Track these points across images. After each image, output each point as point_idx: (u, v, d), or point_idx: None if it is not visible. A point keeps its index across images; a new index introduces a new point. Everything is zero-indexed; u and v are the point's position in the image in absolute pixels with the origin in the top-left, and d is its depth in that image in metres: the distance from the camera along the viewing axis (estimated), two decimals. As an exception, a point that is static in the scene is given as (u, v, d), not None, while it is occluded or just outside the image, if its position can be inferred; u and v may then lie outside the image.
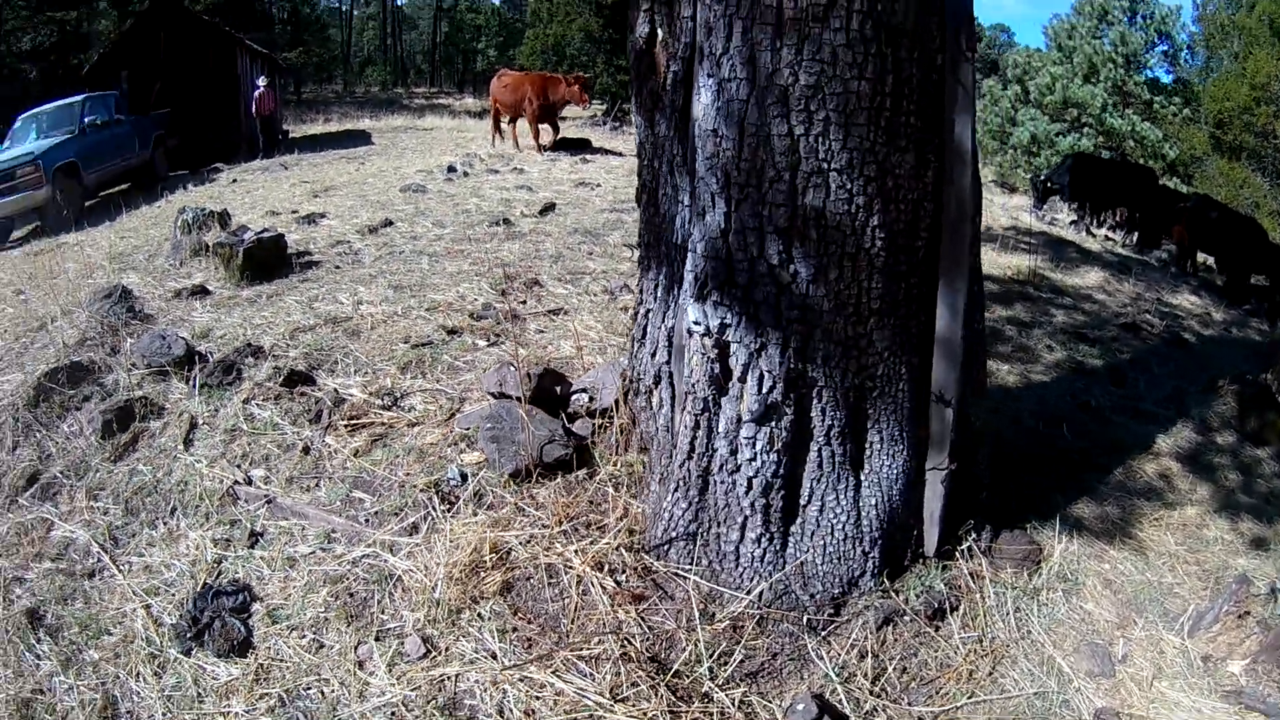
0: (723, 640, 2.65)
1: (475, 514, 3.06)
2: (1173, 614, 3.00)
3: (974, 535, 3.11)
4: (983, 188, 3.12)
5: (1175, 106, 22.25)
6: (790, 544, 2.80)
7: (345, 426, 3.70)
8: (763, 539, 2.77)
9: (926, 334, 2.86)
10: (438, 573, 2.81)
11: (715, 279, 2.63)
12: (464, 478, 3.24)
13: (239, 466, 3.54)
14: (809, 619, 2.75)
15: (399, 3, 54.49)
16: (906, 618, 2.83)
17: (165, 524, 3.29)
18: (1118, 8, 22.88)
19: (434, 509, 3.09)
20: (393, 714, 2.43)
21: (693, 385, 2.76)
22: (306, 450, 3.58)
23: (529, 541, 2.92)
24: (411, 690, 2.49)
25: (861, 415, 2.81)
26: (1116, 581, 3.16)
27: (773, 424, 2.68)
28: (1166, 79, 23.70)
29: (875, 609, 2.81)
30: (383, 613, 2.77)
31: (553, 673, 2.50)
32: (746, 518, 2.75)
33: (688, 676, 2.54)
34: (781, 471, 2.73)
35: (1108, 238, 11.58)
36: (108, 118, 13.67)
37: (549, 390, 3.54)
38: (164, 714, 2.53)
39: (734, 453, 2.73)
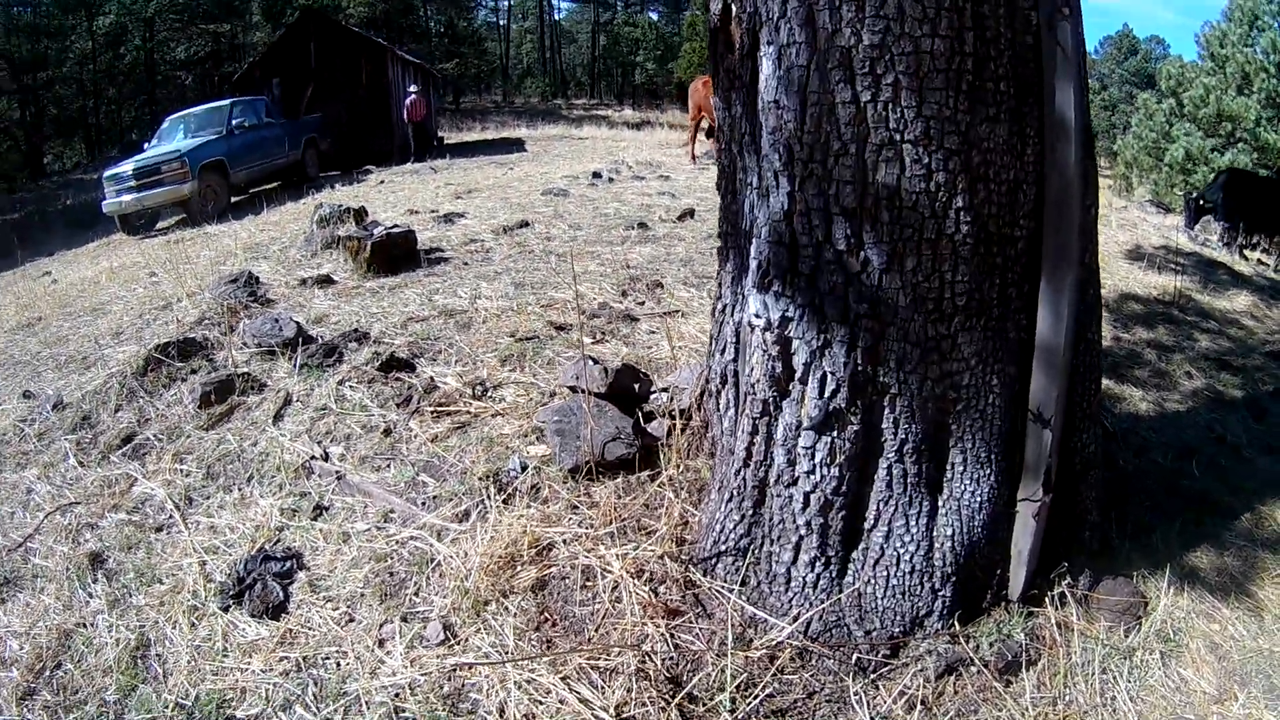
0: (754, 670, 2.29)
1: (529, 507, 2.89)
2: None
3: (1069, 579, 2.60)
4: (1099, 173, 2.65)
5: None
6: (849, 572, 2.42)
7: (431, 413, 3.66)
8: (817, 563, 2.41)
9: (1026, 342, 2.42)
10: (473, 561, 2.67)
11: (777, 267, 2.31)
12: (524, 469, 3.08)
13: (319, 443, 3.56)
14: (859, 658, 2.36)
15: (557, 17, 54.73)
16: (973, 668, 2.37)
17: (240, 490, 3.33)
18: (1268, 12, 20.02)
19: (488, 498, 2.93)
20: (397, 695, 2.28)
21: (752, 385, 2.44)
22: (387, 432, 3.56)
23: (572, 540, 2.69)
24: (421, 675, 2.33)
25: (942, 432, 2.39)
26: (1224, 646, 2.59)
27: (834, 433, 2.32)
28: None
29: (938, 655, 2.37)
30: (416, 595, 2.65)
31: (562, 679, 2.26)
32: (801, 537, 2.40)
33: (704, 704, 2.20)
34: (844, 489, 2.36)
35: (1260, 261, 10.41)
36: (256, 120, 14.39)
37: (626, 387, 3.33)
38: (189, 661, 2.52)
39: (791, 463, 2.39)
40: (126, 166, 11.90)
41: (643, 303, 5.01)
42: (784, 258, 2.32)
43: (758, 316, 2.37)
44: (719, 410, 2.87)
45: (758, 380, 2.43)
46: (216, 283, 5.35)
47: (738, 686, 2.26)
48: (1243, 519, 3.28)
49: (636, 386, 3.33)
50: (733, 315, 2.73)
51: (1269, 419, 4.29)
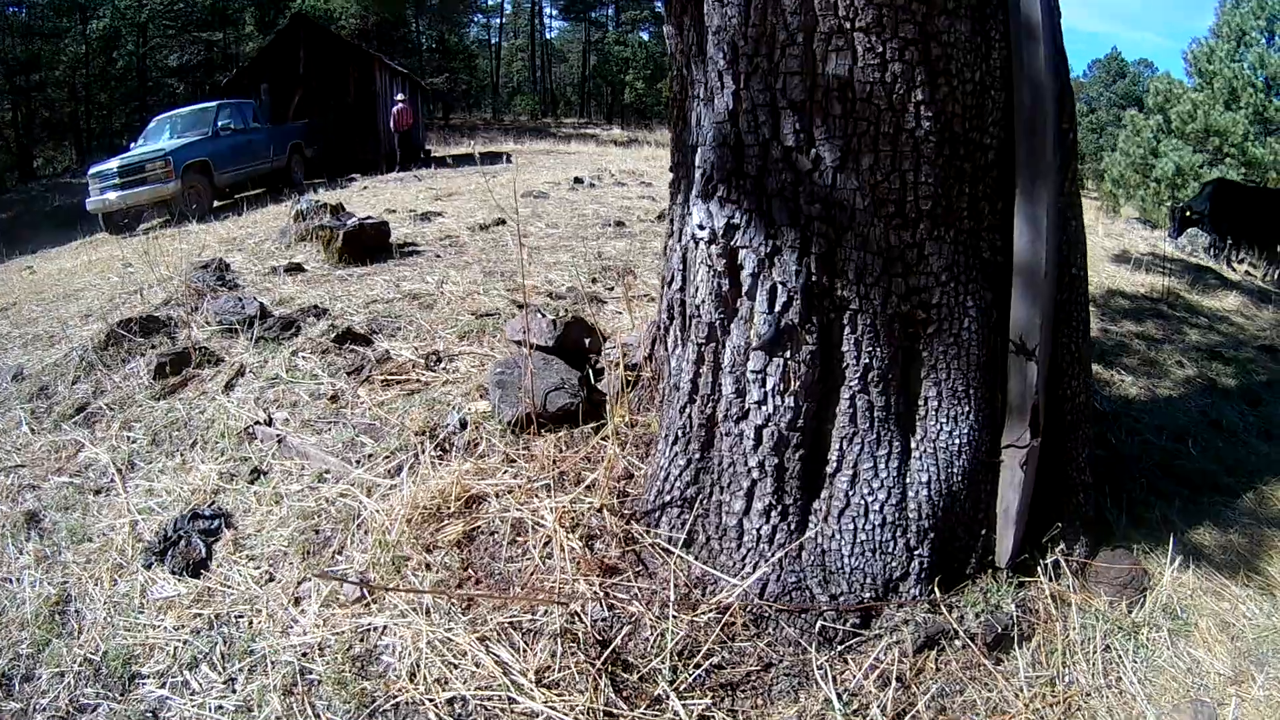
0: (700, 635, 1.98)
1: (464, 461, 2.63)
2: (1300, 670, 2.12)
3: (1064, 546, 2.30)
4: (1074, 98, 2.41)
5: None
6: (810, 525, 2.11)
7: (381, 380, 3.45)
8: (773, 512, 2.11)
9: (1003, 266, 2.14)
10: (397, 513, 2.41)
11: (721, 170, 2.05)
12: (463, 425, 2.81)
13: (265, 409, 3.37)
14: (824, 626, 2.04)
15: (548, 35, 52.58)
16: (957, 642, 2.06)
17: (183, 455, 3.17)
18: (1255, 27, 19.86)
19: (422, 453, 2.68)
20: (304, 655, 2.06)
21: (697, 308, 2.16)
22: (334, 398, 3.35)
23: (505, 493, 2.42)
24: (333, 635, 2.10)
25: (913, 361, 2.11)
26: (1236, 625, 2.31)
27: (787, 354, 2.03)
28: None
29: (915, 625, 2.06)
30: (339, 553, 2.43)
31: (480, 640, 1.96)
32: (754, 482, 2.11)
33: (639, 672, 1.90)
34: (800, 422, 2.06)
35: (1248, 272, 10.20)
36: (242, 124, 13.81)
37: (576, 342, 3.06)
38: (105, 617, 2.36)
39: (740, 393, 2.10)
40: (112, 164, 11.56)
41: (612, 288, 4.81)
42: (729, 160, 2.05)
43: (701, 228, 2.10)
44: (668, 351, 2.57)
45: (703, 301, 2.15)
46: (189, 268, 5.18)
47: (679, 653, 1.96)
48: (1245, 498, 3.05)
49: (588, 341, 3.05)
50: (679, 242, 2.45)
51: (1264, 406, 4.13)
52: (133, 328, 4.18)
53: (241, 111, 14.25)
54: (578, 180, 9.67)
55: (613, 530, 2.25)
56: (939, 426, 2.12)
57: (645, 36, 49.81)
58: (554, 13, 51.22)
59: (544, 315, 3.09)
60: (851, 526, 2.09)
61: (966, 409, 2.13)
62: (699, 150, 2.14)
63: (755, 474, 2.12)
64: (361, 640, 2.09)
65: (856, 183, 1.97)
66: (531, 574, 2.15)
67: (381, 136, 18.21)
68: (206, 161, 12.24)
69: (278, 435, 3.19)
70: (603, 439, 2.61)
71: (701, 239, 2.10)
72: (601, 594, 2.08)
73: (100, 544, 2.71)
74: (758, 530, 2.12)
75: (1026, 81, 2.07)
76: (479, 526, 2.33)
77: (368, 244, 5.35)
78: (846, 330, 2.06)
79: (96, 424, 3.51)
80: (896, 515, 2.09)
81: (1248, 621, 2.35)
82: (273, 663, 2.06)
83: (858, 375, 2.06)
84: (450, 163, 16.82)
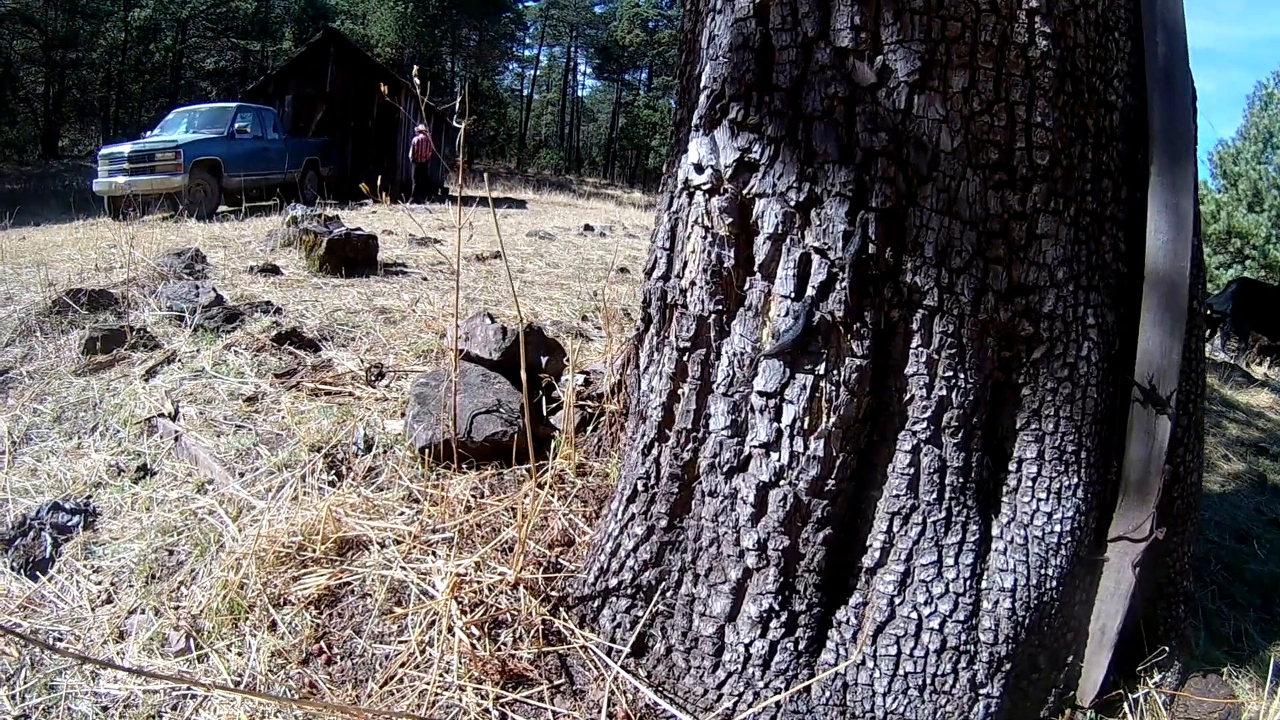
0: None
1: (353, 492, 1.86)
2: None
3: (1157, 673, 1.54)
4: None
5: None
6: (830, 644, 1.31)
7: (310, 389, 2.72)
8: (773, 620, 1.30)
9: (1126, 276, 1.43)
10: (250, 549, 1.65)
11: (738, 82, 1.32)
12: (369, 446, 2.05)
13: (176, 402, 2.71)
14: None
15: (580, 93, 49.49)
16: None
17: (80, 439, 2.64)
18: None
19: (312, 474, 1.94)
20: (105, 709, 1.48)
21: (683, 292, 1.41)
22: (251, 400, 2.64)
23: (393, 542, 1.63)
24: (143, 691, 1.48)
25: (1007, 398, 1.36)
26: None
27: (819, 368, 1.27)
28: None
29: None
30: (185, 585, 1.77)
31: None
32: (748, 571, 1.32)
33: None
34: (831, 482, 1.29)
35: (1268, 375, 9.35)
36: (260, 130, 12.75)
37: (530, 359, 2.26)
38: None
39: (738, 429, 1.33)
40: (124, 148, 10.66)
41: (599, 327, 4.06)
42: (750, 66, 1.32)
43: (700, 169, 1.35)
44: (638, 367, 1.72)
45: (694, 282, 1.39)
46: (164, 254, 4.58)
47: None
48: (1321, 608, 2.41)
49: (546, 361, 2.26)
50: (668, 209, 1.64)
51: None
52: (81, 299, 3.71)
53: (261, 118, 13.20)
54: (588, 227, 8.99)
55: (529, 618, 1.44)
56: (1035, 505, 1.36)
57: (675, 104, 49.62)
58: (588, 70, 49.12)
59: (492, 320, 2.31)
60: (894, 651, 1.29)
61: (1074, 480, 1.37)
62: (708, 67, 1.41)
63: (751, 559, 1.33)
64: (174, 710, 1.43)
65: (942, 110, 1.26)
66: (401, 667, 1.35)
67: (399, 165, 16.63)
68: (217, 161, 11.27)
69: (176, 432, 2.52)
70: (540, 485, 1.80)
71: (699, 186, 1.35)
72: (496, 717, 1.28)
73: (-46, 525, 2.15)
74: (747, 647, 1.32)
75: (1160, 25, 1.42)
76: (349, 584, 1.54)
77: (352, 256, 4.69)
78: (917, 340, 1.30)
79: (11, 390, 3.02)
80: (964, 636, 1.29)
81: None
82: (70, 711, 1.52)
83: (928, 415, 1.29)
84: (466, 203, 16.03)
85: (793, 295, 1.27)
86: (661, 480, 1.42)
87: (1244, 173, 19.62)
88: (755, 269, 1.31)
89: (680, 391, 1.40)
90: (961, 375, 1.29)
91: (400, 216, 8.86)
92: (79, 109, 28.74)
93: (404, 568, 1.53)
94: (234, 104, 13.27)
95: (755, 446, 1.32)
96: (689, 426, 1.39)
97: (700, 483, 1.39)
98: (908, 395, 1.31)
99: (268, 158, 12.76)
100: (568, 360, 2.38)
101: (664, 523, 1.42)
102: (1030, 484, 1.36)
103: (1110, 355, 1.41)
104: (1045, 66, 1.28)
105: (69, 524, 2.12)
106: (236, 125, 12.13)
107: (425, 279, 4.83)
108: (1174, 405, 1.40)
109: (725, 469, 1.35)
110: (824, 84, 1.26)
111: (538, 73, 47.08)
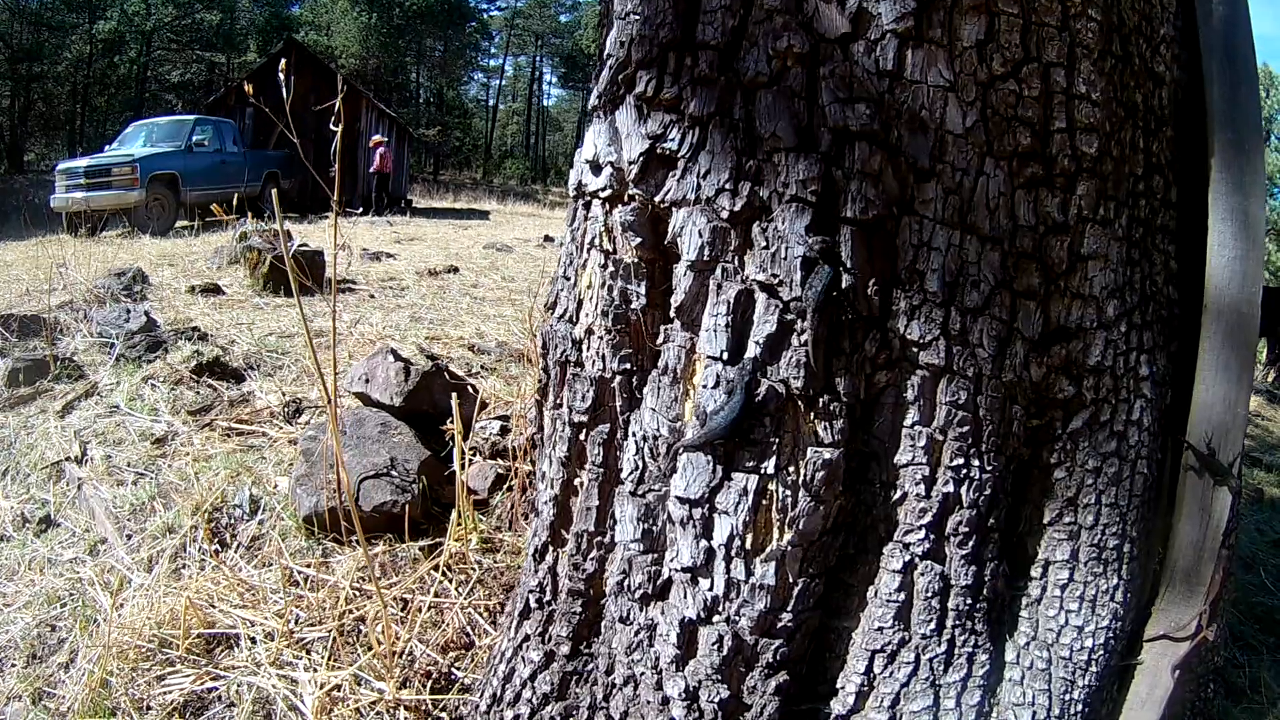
0: None
1: (235, 567, 1.70)
2: None
3: None
4: None
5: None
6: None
7: (224, 428, 2.55)
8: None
9: (1178, 303, 1.11)
10: (113, 638, 1.51)
11: (650, 42, 0.96)
12: (254, 510, 1.87)
13: (85, 445, 2.53)
14: None
15: (545, 103, 47.11)
16: None
17: None
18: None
19: (192, 545, 1.79)
20: None
21: (576, 345, 1.10)
22: (160, 442, 2.47)
23: (264, 638, 1.48)
24: None
25: (1034, 478, 1.03)
26: None
27: (767, 463, 0.91)
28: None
29: None
30: (65, 667, 1.57)
31: None
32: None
33: None
34: (786, 618, 0.95)
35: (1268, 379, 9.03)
36: (219, 144, 12.01)
37: (438, 404, 2.00)
38: None
39: (652, 544, 0.99)
40: (80, 163, 10.05)
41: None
42: (667, 17, 0.95)
43: (595, 169, 1.01)
44: (541, 431, 1.35)
45: (590, 329, 1.06)
46: (106, 274, 4.29)
47: None
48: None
49: (456, 404, 1.89)
50: (569, 227, 1.28)
51: None
52: (12, 325, 3.43)
53: (220, 131, 12.40)
54: (548, 238, 8.74)
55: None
56: (1064, 619, 1.04)
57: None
58: (553, 79, 47.62)
59: (394, 359, 2.06)
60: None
61: (1113, 582, 1.03)
62: (614, 29, 1.04)
63: (678, 711, 1.00)
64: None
65: (948, 73, 0.88)
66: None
67: (360, 178, 15.88)
68: (175, 175, 10.57)
69: (79, 480, 2.32)
70: (436, 569, 1.62)
71: (595, 193, 1.01)
72: None
73: None
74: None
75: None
76: (214, 690, 1.40)
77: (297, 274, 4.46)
78: (913, 415, 0.94)
79: (-72, 426, 2.74)
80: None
81: None
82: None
83: (928, 521, 0.95)
84: (429, 214, 15.37)
85: (725, 356, 0.89)
86: (560, 596, 1.13)
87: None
88: (674, 310, 0.95)
89: (578, 482, 1.09)
90: (976, 463, 0.93)
91: (359, 230, 8.54)
92: (44, 122, 27.12)
93: (270, 675, 1.38)
94: (192, 117, 12.54)
95: (677, 570, 0.98)
96: (590, 529, 1.08)
97: (611, 603, 1.07)
98: (898, 493, 0.96)
99: (227, 171, 11.99)
100: (490, 399, 2.18)
101: (566, 649, 1.13)
102: (1059, 593, 1.03)
103: (1162, 411, 1.08)
104: (1087, 15, 0.91)
105: (-43, 584, 1.91)
106: (195, 138, 11.46)
107: (372, 296, 4.65)
108: (1238, 473, 1.08)
109: (637, 593, 1.03)
110: (772, 36, 0.89)
111: (503, 82, 45.73)
